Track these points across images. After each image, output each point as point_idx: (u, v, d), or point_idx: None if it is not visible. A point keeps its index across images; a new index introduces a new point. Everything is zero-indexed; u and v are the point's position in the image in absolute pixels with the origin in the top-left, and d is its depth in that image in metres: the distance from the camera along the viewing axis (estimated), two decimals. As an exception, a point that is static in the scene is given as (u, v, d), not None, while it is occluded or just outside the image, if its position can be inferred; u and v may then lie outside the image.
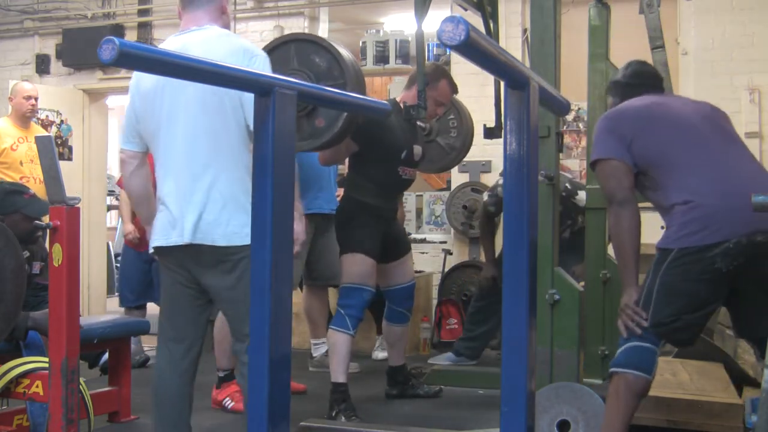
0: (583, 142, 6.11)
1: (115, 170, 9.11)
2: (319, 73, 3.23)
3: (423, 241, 6.57)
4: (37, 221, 3.20)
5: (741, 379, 3.60)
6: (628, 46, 4.65)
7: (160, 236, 2.65)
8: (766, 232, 2.47)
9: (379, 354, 5.32)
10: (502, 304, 1.48)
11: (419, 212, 6.99)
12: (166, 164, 2.64)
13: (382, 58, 7.17)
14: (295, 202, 2.78)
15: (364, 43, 7.27)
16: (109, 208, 8.64)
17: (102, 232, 7.86)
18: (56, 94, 7.25)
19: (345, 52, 3.28)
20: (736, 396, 3.23)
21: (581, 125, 6.16)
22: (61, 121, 7.21)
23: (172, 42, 2.71)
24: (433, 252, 6.41)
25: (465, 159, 5.14)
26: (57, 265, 2.88)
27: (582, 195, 4.71)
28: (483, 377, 4.41)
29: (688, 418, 3.09)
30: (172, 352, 2.69)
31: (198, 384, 2.79)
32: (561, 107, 1.95)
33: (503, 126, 2.07)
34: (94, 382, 3.67)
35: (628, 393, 2.52)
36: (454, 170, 6.09)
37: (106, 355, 3.82)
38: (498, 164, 5.79)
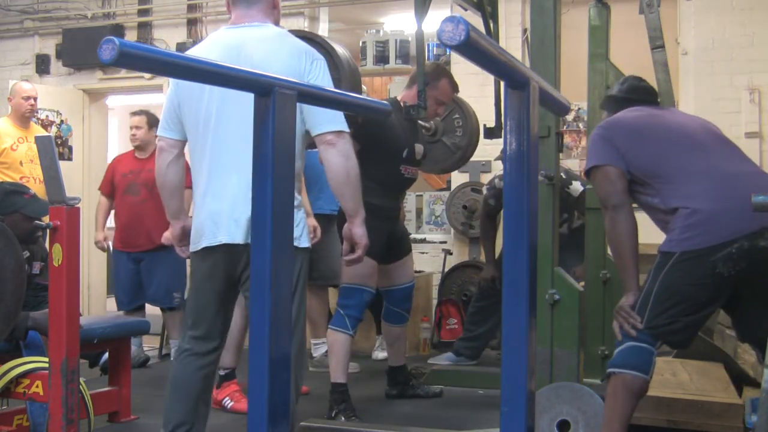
0: (583, 142, 6.11)
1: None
2: None
3: (423, 241, 6.56)
4: (37, 221, 3.20)
5: (741, 379, 3.60)
6: (628, 46, 4.66)
7: (206, 236, 2.52)
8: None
9: (379, 354, 5.32)
10: (502, 304, 1.48)
11: (419, 212, 6.99)
12: (213, 159, 2.51)
13: (382, 58, 7.17)
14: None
15: (364, 43, 7.27)
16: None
17: (102, 232, 7.85)
18: (56, 94, 7.25)
19: (340, 48, 3.27)
20: (736, 396, 3.23)
21: (581, 125, 6.16)
22: (61, 121, 7.20)
23: (225, 35, 2.63)
24: (433, 252, 6.40)
25: (465, 159, 5.14)
26: (57, 265, 2.89)
27: (576, 185, 4.71)
28: (483, 377, 4.41)
29: (688, 418, 3.09)
30: (194, 348, 2.61)
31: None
32: (561, 107, 1.95)
33: (503, 126, 2.07)
34: (94, 382, 3.67)
35: (626, 393, 2.52)
36: (454, 170, 6.10)
37: (106, 355, 3.82)
38: (498, 164, 5.79)
